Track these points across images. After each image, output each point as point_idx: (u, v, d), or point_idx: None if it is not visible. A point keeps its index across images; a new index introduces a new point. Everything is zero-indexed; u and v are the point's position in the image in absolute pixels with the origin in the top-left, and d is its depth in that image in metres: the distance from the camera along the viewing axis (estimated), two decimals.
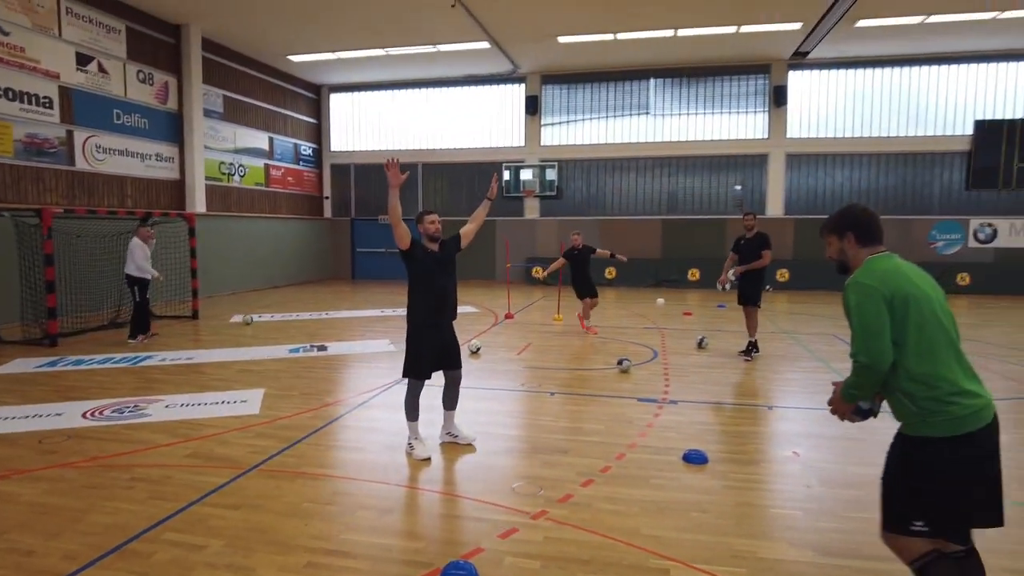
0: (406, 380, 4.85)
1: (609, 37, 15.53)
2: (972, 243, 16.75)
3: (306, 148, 19.73)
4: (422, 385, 4.81)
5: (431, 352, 4.73)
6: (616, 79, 18.58)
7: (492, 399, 6.40)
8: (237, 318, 11.73)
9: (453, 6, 13.22)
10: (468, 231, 5.07)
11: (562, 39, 15.72)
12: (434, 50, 16.49)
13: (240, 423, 5.52)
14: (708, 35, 15.31)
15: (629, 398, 6.43)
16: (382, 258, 20.36)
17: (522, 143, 19.39)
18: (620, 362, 7.61)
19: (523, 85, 19.18)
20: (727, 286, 8.52)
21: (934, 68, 16.86)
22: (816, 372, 7.58)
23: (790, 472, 4.48)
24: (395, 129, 20.20)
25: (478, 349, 8.64)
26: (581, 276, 10.49)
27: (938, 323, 2.39)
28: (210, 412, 5.87)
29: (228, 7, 13.52)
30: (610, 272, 18.26)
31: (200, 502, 3.91)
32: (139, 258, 9.12)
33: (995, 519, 2.35)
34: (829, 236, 2.71)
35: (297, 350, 8.85)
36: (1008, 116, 16.47)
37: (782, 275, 17.45)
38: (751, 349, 8.36)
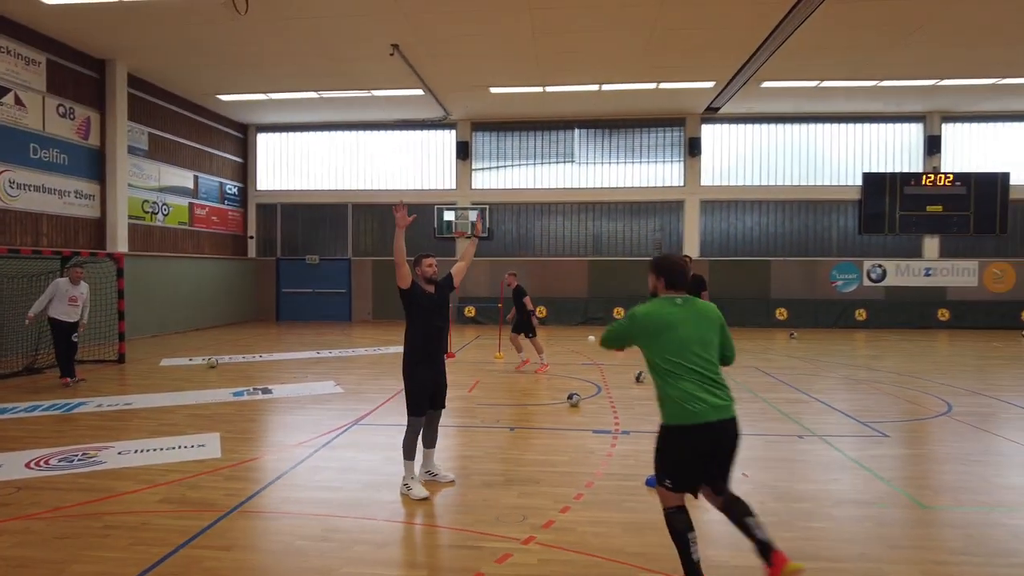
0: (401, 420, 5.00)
1: (538, 89, 16.37)
2: (866, 282, 18.52)
3: (231, 187, 19.33)
4: (422, 423, 4.94)
5: (427, 390, 4.89)
6: (543, 128, 19.49)
7: (456, 436, 6.57)
8: (199, 360, 11.44)
9: (391, 55, 13.62)
10: (459, 268, 5.32)
11: (494, 90, 16.42)
12: (368, 95, 16.78)
13: (205, 467, 5.43)
14: (630, 90, 16.46)
15: (584, 430, 6.78)
16: (308, 298, 20.05)
17: (453, 186, 19.84)
18: (570, 397, 7.98)
19: (454, 131, 19.74)
20: None
21: (829, 125, 18.79)
22: (750, 402, 8.22)
23: (744, 492, 4.93)
24: (325, 169, 20.18)
25: None
26: (519, 316, 10.91)
27: (680, 347, 3.23)
28: (169, 457, 5.72)
29: (156, 46, 13.30)
30: (540, 311, 18.79)
31: (188, 544, 3.89)
32: (52, 297, 8.84)
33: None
34: (651, 273, 3.53)
35: (241, 393, 8.67)
36: (890, 170, 18.53)
37: None
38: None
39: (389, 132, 19.96)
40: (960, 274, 18.24)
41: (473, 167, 19.79)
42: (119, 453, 5.85)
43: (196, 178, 17.52)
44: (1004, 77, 15.08)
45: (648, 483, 4.99)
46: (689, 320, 3.31)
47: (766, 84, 15.82)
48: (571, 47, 13.35)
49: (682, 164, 19.17)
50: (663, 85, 16.04)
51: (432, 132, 19.93)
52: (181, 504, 4.58)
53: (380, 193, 19.96)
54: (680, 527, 3.27)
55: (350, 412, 7.57)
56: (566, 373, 10.43)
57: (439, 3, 11.02)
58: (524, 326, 10.86)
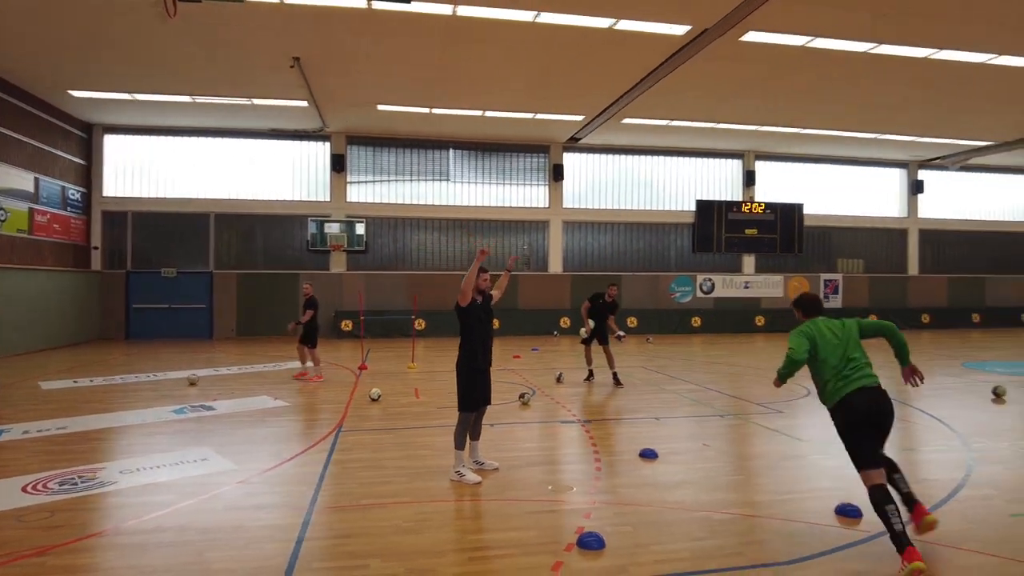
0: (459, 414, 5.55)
1: (425, 110, 17.08)
2: (699, 294, 21.63)
3: (74, 192, 17.38)
4: (474, 417, 5.55)
5: (482, 389, 5.53)
6: (419, 146, 20.14)
7: (445, 435, 7.15)
8: (178, 374, 10.43)
9: (292, 67, 13.56)
10: (495, 297, 5.94)
11: (382, 107, 16.82)
12: (247, 103, 16.26)
13: (232, 477, 5.52)
14: (505, 117, 17.79)
15: (552, 421, 7.75)
16: (164, 315, 18.58)
17: (327, 198, 19.69)
18: (522, 396, 8.89)
19: (328, 143, 19.63)
20: (587, 331, 10.51)
21: (671, 158, 21.72)
22: (654, 393, 9.73)
23: (709, 457, 6.24)
24: (185, 176, 18.91)
25: (379, 396, 9.14)
26: (307, 325, 11.21)
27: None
28: (182, 472, 5.68)
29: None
30: (420, 324, 19.33)
31: (305, 541, 4.22)
32: None
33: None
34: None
35: (182, 411, 8.36)
36: (717, 198, 21.90)
37: (564, 322, 20.38)
38: (615, 378, 10.39)
39: (258, 140, 19.28)
40: (771, 287, 22.08)
41: (348, 180, 19.82)
42: (120, 472, 5.67)
43: (37, 180, 15.59)
44: (804, 128, 18.79)
45: (643, 455, 6.10)
46: None
47: (626, 120, 18.07)
48: (467, 75, 14.32)
49: (547, 187, 20.94)
50: (539, 115, 17.61)
51: (305, 143, 19.63)
52: (259, 508, 4.77)
53: (246, 203, 19.18)
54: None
55: (321, 422, 7.77)
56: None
57: (351, 20, 11.36)
58: (310, 337, 11.17)
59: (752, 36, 12.06)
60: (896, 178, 23.37)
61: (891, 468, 4.20)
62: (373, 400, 8.99)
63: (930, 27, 11.60)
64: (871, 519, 4.48)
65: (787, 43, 12.37)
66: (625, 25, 11.61)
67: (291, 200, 19.52)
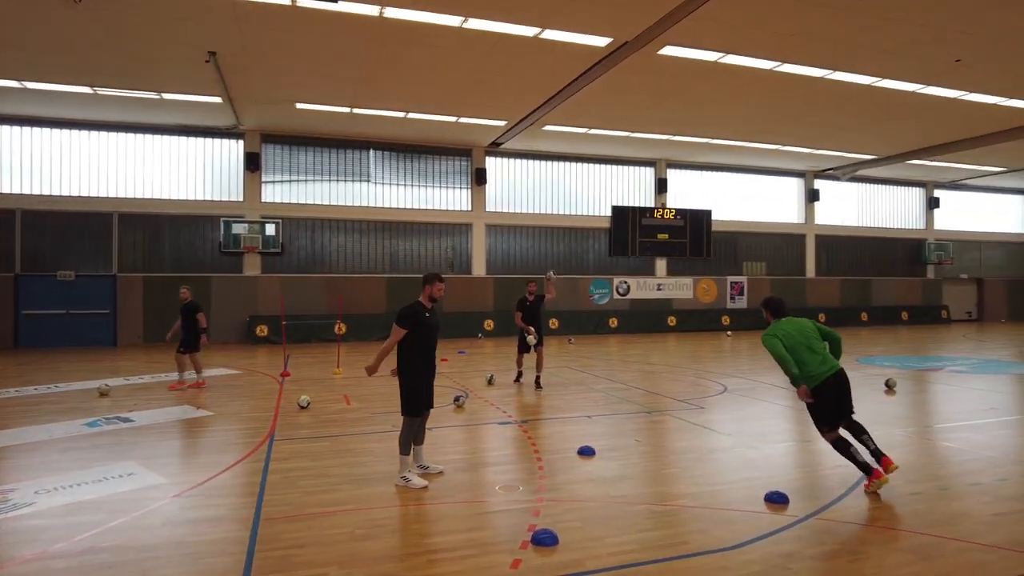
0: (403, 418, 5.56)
1: (346, 110, 16.77)
2: (616, 296, 22.38)
3: None
4: (419, 421, 5.55)
5: (427, 393, 5.55)
6: (338, 146, 19.72)
7: (381, 440, 7.12)
8: (83, 385, 9.61)
9: (207, 62, 12.98)
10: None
11: (300, 105, 16.36)
12: (156, 97, 15.38)
13: (165, 491, 5.27)
14: (428, 120, 17.74)
15: (489, 423, 7.86)
16: (60, 321, 17.25)
17: (241, 198, 18.91)
18: (456, 399, 8.94)
19: (242, 141, 18.87)
20: (535, 338, 10.49)
21: (588, 165, 22.36)
22: (582, 392, 10.04)
23: (646, 452, 6.56)
24: (85, 173, 17.61)
25: (308, 403, 8.92)
26: (187, 333, 10.95)
27: None
28: (109, 489, 5.35)
29: None
30: (340, 328, 18.90)
31: (256, 553, 4.12)
32: None
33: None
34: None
35: (97, 423, 7.84)
36: (631, 204, 22.73)
37: (488, 324, 20.54)
38: (537, 381, 10.58)
39: (167, 137, 18.26)
40: (681, 289, 23.16)
41: (263, 179, 19.12)
42: (35, 492, 5.28)
43: None
44: (712, 138, 19.87)
45: (581, 452, 6.33)
46: None
47: (547, 127, 18.47)
48: (392, 76, 14.20)
49: (470, 191, 21.03)
50: (462, 119, 17.68)
51: (217, 140, 18.76)
52: (196, 523, 4.60)
53: (153, 202, 18.11)
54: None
55: (251, 431, 7.52)
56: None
57: (273, 16, 11.02)
58: (191, 343, 10.79)
59: (669, 50, 12.68)
60: (794, 187, 25.13)
61: (860, 431, 5.33)
62: (302, 408, 8.77)
63: (826, 50, 12.61)
64: (797, 504, 4.91)
65: (701, 58, 13.07)
66: (550, 35, 11.91)
67: (202, 199, 18.61)
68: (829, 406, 5.30)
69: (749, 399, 9.61)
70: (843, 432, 5.42)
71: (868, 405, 8.97)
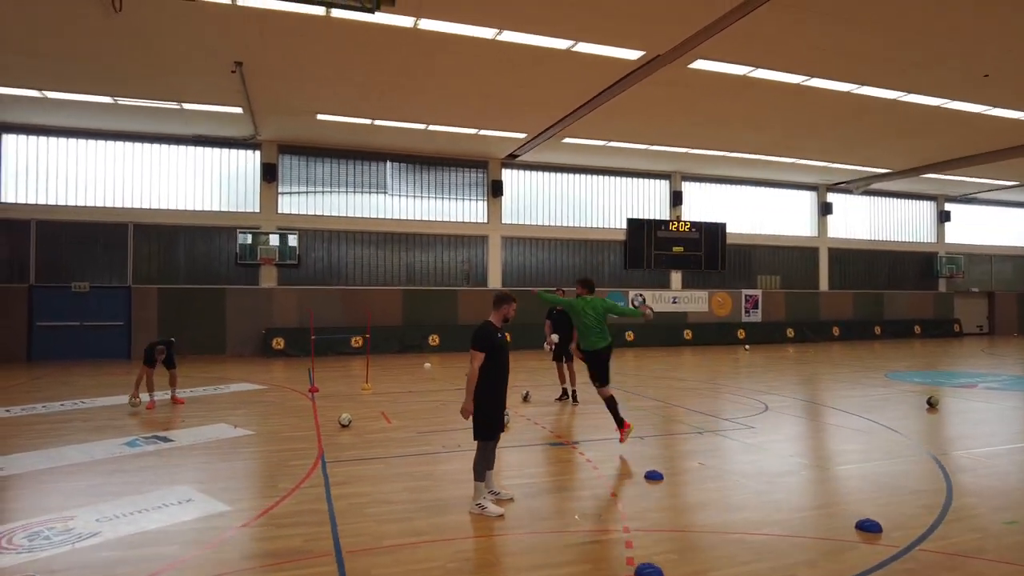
0: (476, 442, 5.36)
1: (367, 121, 16.65)
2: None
3: None
4: (494, 445, 5.37)
5: (500, 416, 5.38)
6: (354, 158, 19.59)
7: (437, 463, 6.92)
8: (107, 401, 9.33)
9: (233, 72, 12.86)
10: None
11: (321, 116, 16.24)
12: (176, 107, 15.24)
13: (231, 520, 5.07)
14: (448, 132, 17.64)
15: (540, 444, 7.68)
16: (74, 333, 17.00)
17: (257, 209, 18.74)
18: (524, 396, 8.76)
19: (259, 152, 18.72)
20: (550, 347, 10.48)
21: (604, 178, 22.30)
22: (623, 411, 9.85)
23: (715, 476, 6.39)
24: (101, 183, 17.43)
25: (349, 422, 8.72)
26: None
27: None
28: (171, 517, 5.14)
29: None
30: (356, 341, 18.70)
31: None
32: None
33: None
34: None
35: (136, 443, 7.63)
36: (647, 217, 22.65)
37: (506, 337, 20.32)
38: (573, 396, 10.42)
39: (182, 147, 18.10)
40: (696, 302, 23.05)
41: (280, 191, 18.96)
42: (97, 520, 5.07)
43: None
44: (730, 151, 19.83)
45: (649, 476, 6.16)
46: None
47: (566, 140, 18.39)
48: (418, 88, 14.11)
49: (486, 203, 20.91)
50: (483, 132, 17.59)
51: (233, 151, 18.62)
52: (284, 556, 4.40)
53: (169, 213, 17.92)
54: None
55: (298, 452, 7.32)
56: (458, 400, 11.02)
57: (305, 26, 10.92)
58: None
59: (699, 64, 12.63)
60: (807, 200, 25.12)
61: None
62: (343, 426, 8.56)
63: (856, 65, 12.60)
64: (891, 534, 4.74)
65: (730, 72, 13.03)
66: (583, 47, 11.85)
67: (218, 210, 18.43)
68: (607, 365, 7.43)
69: (793, 417, 9.46)
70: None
71: (915, 424, 8.83)
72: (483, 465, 5.35)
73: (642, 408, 10.12)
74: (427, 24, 10.86)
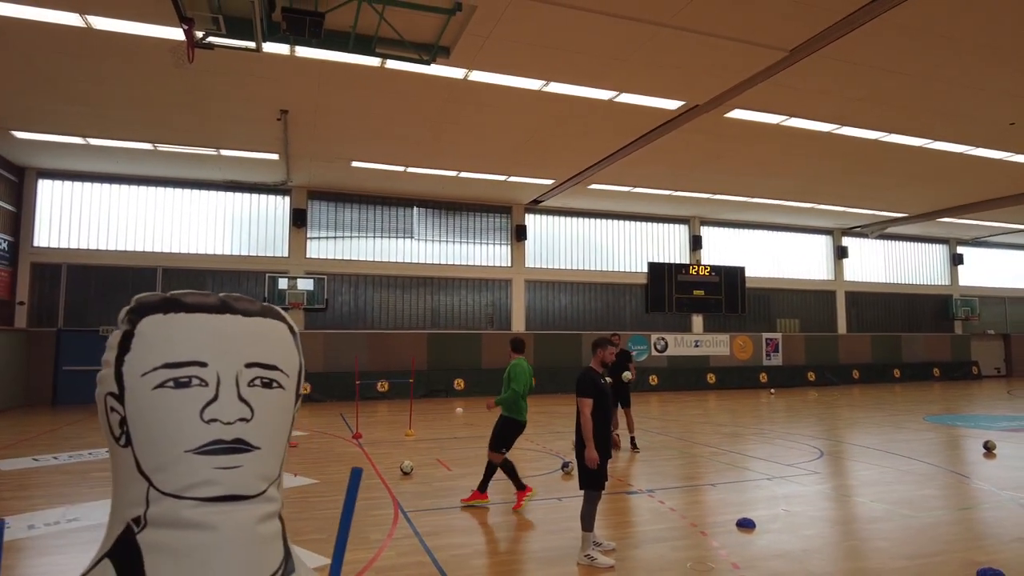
0: (583, 492, 5.32)
1: (400, 169, 16.91)
2: (654, 352, 22.22)
3: (1, 242, 15.65)
4: (600, 495, 5.32)
5: (605, 466, 5.34)
6: (382, 203, 19.83)
7: (528, 511, 6.82)
8: (50, 458, 8.90)
9: (278, 119, 13.12)
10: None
11: (356, 164, 16.50)
12: (213, 153, 15.47)
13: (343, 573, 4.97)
14: (477, 179, 17.91)
15: (616, 492, 7.59)
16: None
17: (286, 254, 18.84)
18: (564, 465, 8.67)
19: (288, 197, 18.94)
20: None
21: (625, 223, 22.57)
22: (680, 458, 9.77)
23: (806, 523, 6.31)
24: (131, 227, 17.54)
25: (412, 469, 8.61)
26: None
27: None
28: None
29: None
30: (382, 385, 18.58)
31: None
32: None
33: None
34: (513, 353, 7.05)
35: None
36: (668, 261, 22.86)
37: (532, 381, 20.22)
38: (632, 443, 10.33)
39: (212, 192, 18.30)
40: (718, 345, 23.06)
41: (308, 236, 19.10)
42: None
43: None
44: (750, 197, 20.16)
45: (740, 524, 6.09)
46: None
47: (593, 186, 18.68)
48: (455, 136, 14.37)
49: (509, 247, 21.10)
50: (511, 178, 17.87)
51: (263, 196, 18.82)
52: None
53: (198, 257, 18.00)
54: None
55: (372, 503, 7.21)
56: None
57: (356, 76, 11.17)
58: None
59: (736, 113, 12.95)
60: (823, 244, 25.42)
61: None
62: (405, 474, 8.46)
63: (888, 114, 12.93)
64: None
65: (764, 121, 13.36)
66: (625, 98, 12.15)
67: (247, 255, 18.51)
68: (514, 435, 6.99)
69: (853, 461, 9.39)
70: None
71: (981, 469, 8.77)
72: (591, 516, 5.29)
73: (695, 455, 10.03)
74: (477, 76, 11.16)
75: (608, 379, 10.09)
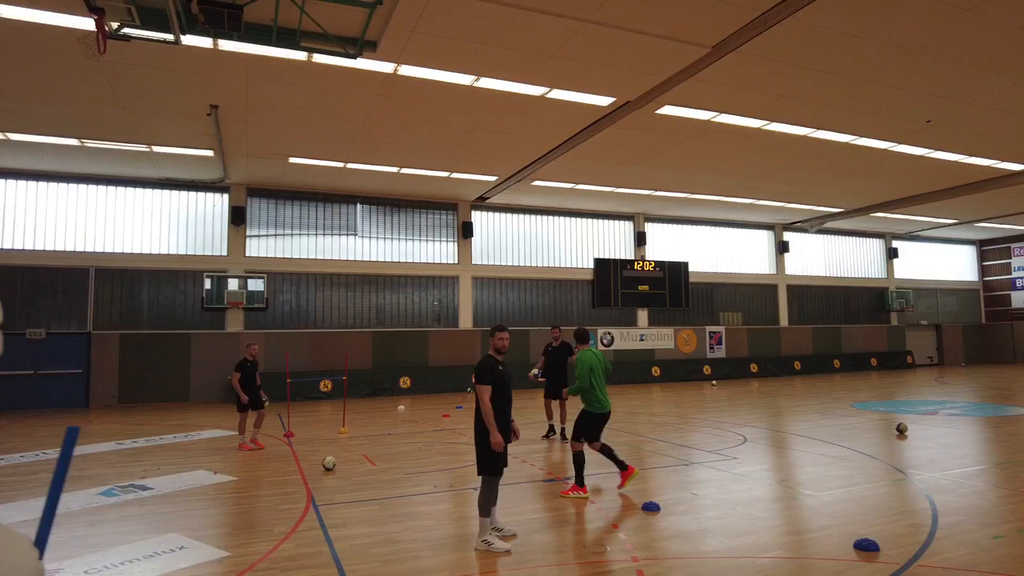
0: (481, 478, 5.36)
1: (339, 164, 16.74)
2: (601, 347, 22.48)
3: None
4: (498, 480, 5.36)
5: (504, 452, 5.38)
6: (324, 200, 19.59)
7: (437, 502, 6.85)
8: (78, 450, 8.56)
9: (208, 115, 12.86)
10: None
11: (294, 160, 16.27)
12: (145, 150, 15.07)
13: (234, 565, 4.92)
14: (420, 175, 17.84)
15: (533, 481, 7.67)
16: (27, 382, 16.23)
17: (225, 252, 18.46)
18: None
19: (227, 195, 18.57)
20: (538, 377, 10.61)
21: (571, 219, 22.76)
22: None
23: (711, 504, 6.49)
24: (59, 226, 16.95)
25: (333, 465, 8.55)
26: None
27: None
28: (168, 565, 4.96)
29: None
30: (325, 385, 18.38)
31: None
32: None
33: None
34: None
35: (112, 492, 7.32)
36: (614, 257, 23.15)
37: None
38: (561, 433, 10.45)
39: (148, 189, 17.81)
40: (663, 339, 23.46)
41: (248, 234, 18.76)
42: (86, 572, 4.85)
43: None
44: (691, 193, 20.56)
45: (646, 508, 6.23)
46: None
47: (536, 183, 18.80)
48: (392, 132, 14.30)
49: (456, 244, 21.08)
50: (454, 175, 17.86)
51: (200, 194, 18.40)
52: None
53: (133, 257, 17.50)
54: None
55: (287, 496, 7.14)
56: (452, 439, 10.92)
57: (284, 71, 11.03)
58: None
59: (667, 109, 13.19)
60: (765, 239, 26.08)
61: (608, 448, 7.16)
62: (328, 469, 8.40)
63: (813, 111, 13.33)
64: (888, 552, 4.91)
65: (695, 116, 13.64)
66: (557, 94, 12.27)
67: (184, 254, 18.08)
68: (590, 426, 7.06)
69: (774, 448, 9.68)
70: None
71: (888, 450, 9.14)
72: (488, 501, 5.34)
73: (625, 443, 10.20)
74: (407, 71, 11.12)
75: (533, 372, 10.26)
